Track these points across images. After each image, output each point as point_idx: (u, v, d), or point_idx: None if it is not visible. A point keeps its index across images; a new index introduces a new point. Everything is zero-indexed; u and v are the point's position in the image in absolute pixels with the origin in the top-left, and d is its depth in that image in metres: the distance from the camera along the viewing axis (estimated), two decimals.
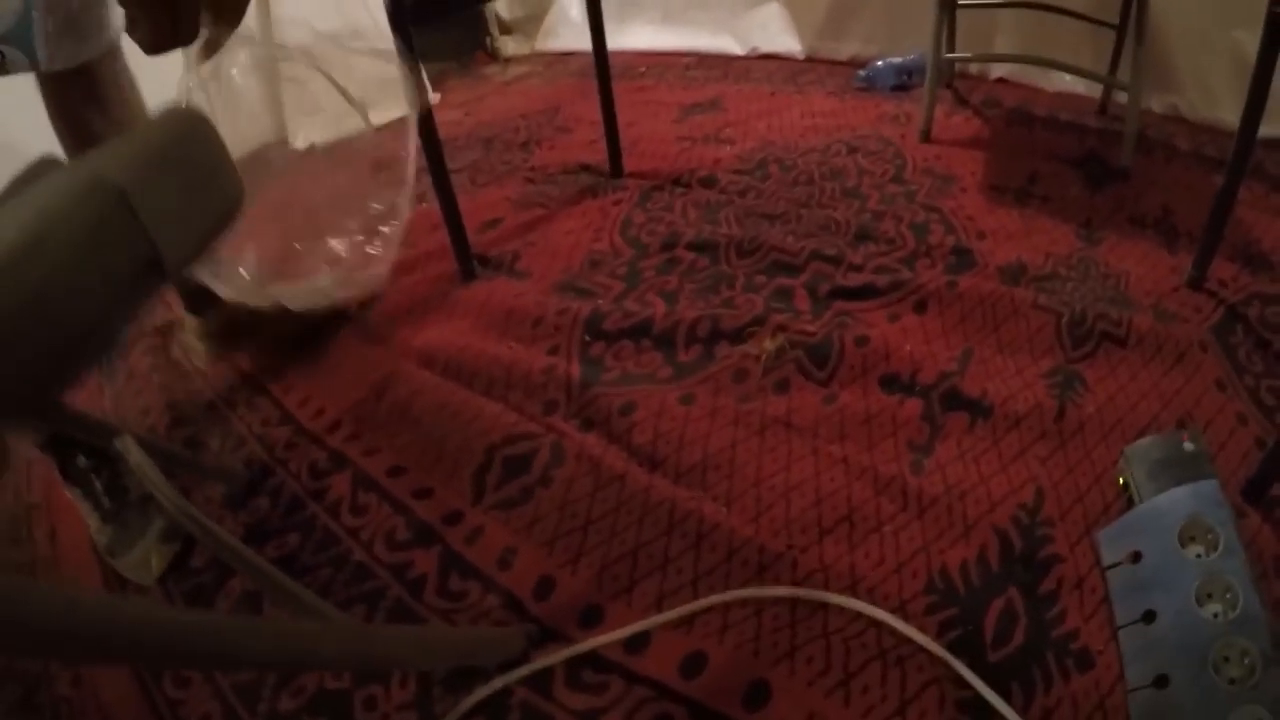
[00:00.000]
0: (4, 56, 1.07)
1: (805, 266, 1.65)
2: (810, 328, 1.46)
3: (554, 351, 1.48)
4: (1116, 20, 2.25)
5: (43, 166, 0.75)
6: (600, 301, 1.59)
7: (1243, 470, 1.15)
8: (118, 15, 1.17)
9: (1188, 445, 1.10)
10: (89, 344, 0.58)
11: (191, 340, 1.63)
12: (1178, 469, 1.08)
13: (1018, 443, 1.22)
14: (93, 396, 1.60)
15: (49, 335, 0.54)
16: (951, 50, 2.49)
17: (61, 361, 0.56)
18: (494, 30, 3.61)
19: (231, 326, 1.59)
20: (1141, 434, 1.22)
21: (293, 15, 2.51)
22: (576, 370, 1.42)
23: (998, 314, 1.48)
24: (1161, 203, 1.87)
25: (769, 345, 1.42)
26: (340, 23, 2.64)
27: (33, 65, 1.12)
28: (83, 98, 1.25)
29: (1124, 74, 2.16)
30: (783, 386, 1.35)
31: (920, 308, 1.51)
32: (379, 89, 1.47)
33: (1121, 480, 1.13)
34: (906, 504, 1.13)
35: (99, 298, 0.58)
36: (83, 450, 1.25)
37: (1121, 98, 2.23)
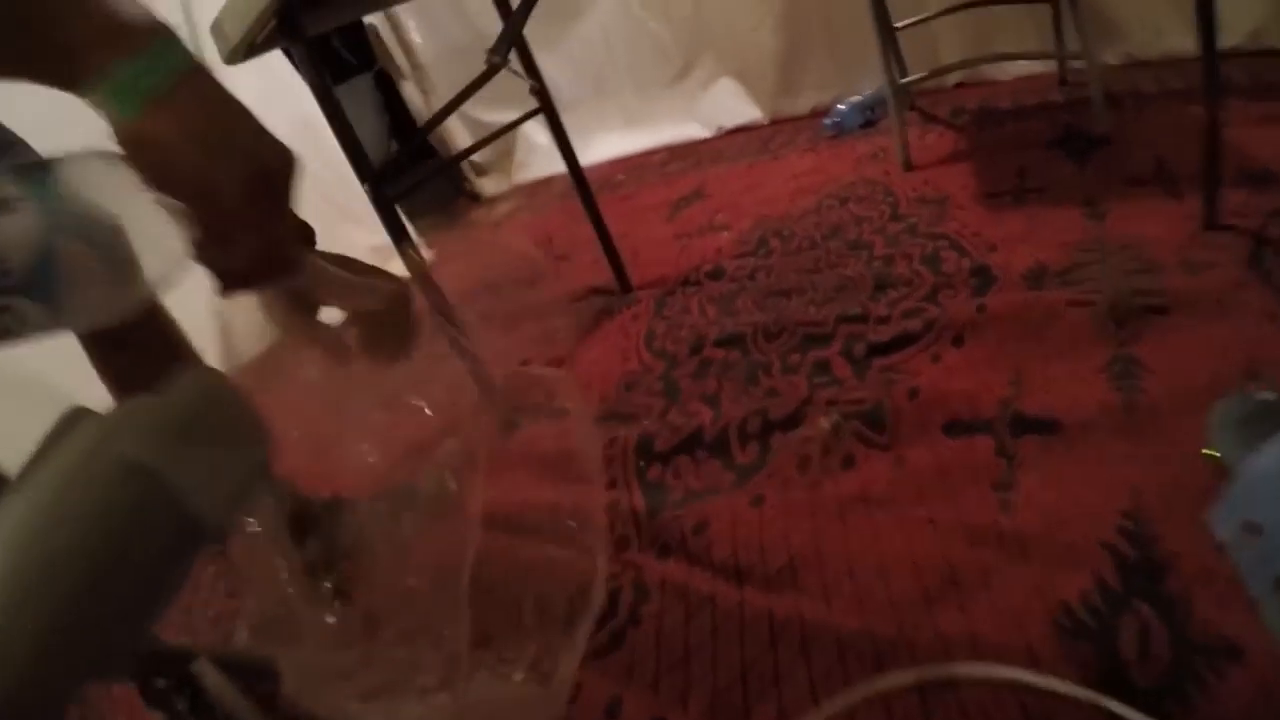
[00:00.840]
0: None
1: (835, 333, 1.62)
2: (859, 394, 1.42)
3: (613, 485, 1.45)
4: None
5: (74, 417, 0.71)
6: (645, 423, 1.56)
7: None
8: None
9: (1265, 395, 1.06)
10: (146, 614, 0.59)
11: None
12: (1263, 423, 1.02)
13: (1097, 449, 1.16)
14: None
15: (104, 626, 0.54)
16: (904, 72, 2.48)
17: (127, 634, 0.57)
18: (470, 175, 3.67)
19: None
20: (1212, 396, 1.15)
21: None
22: (640, 499, 1.38)
23: (1035, 323, 1.43)
24: (1151, 155, 1.85)
25: (824, 424, 1.37)
26: None
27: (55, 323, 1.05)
28: (131, 361, 1.20)
29: (1071, 41, 2.17)
30: (849, 462, 1.31)
31: (958, 341, 1.47)
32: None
33: (1211, 452, 1.07)
34: (1007, 549, 1.07)
35: (146, 574, 0.57)
36: (161, 672, 1.21)
37: (1078, 64, 2.23)
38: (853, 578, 1.11)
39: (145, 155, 0.58)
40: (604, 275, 2.22)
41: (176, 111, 0.57)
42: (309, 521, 1.43)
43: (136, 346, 1.20)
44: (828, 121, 2.79)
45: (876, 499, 1.21)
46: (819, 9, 2.86)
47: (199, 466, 0.62)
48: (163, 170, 0.58)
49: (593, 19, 3.36)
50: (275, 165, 0.61)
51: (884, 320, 1.60)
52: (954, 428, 1.29)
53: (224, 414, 0.67)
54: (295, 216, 0.70)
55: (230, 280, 0.66)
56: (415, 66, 3.61)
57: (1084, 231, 1.66)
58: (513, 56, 1.75)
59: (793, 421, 1.42)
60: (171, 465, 0.59)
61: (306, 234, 0.73)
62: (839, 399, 1.42)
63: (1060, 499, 1.11)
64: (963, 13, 2.51)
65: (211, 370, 0.71)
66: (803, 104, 3.05)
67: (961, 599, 1.03)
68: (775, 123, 3.10)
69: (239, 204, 0.60)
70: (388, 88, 3.90)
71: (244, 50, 1.40)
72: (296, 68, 2.17)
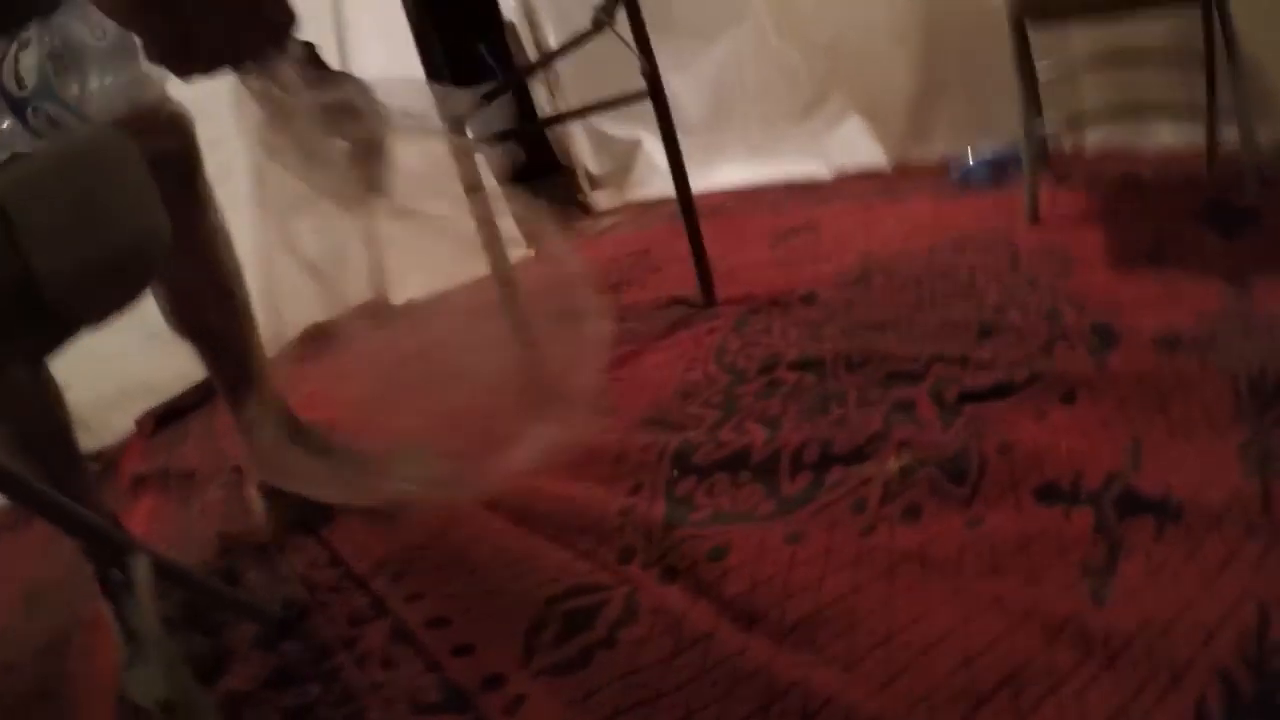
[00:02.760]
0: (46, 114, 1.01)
1: (926, 372, 1.37)
2: (941, 439, 1.17)
3: (636, 490, 1.23)
4: (1202, 54, 1.99)
5: None
6: (691, 433, 1.34)
7: None
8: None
9: None
10: None
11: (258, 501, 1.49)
12: None
13: (1222, 546, 0.89)
14: (166, 522, 1.53)
15: None
16: (1042, 124, 2.24)
17: None
18: (585, 186, 3.55)
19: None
20: None
21: None
22: (660, 510, 1.16)
23: (1162, 390, 1.17)
24: None
25: (893, 465, 1.13)
26: None
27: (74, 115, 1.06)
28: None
29: (1224, 113, 1.95)
30: (913, 513, 1.06)
31: (1069, 399, 1.21)
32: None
33: None
34: (1090, 651, 0.80)
35: None
36: (120, 563, 1.13)
37: (1227, 143, 1.99)
38: (887, 649, 0.86)
39: None
40: (691, 288, 2.02)
41: None
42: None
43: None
44: (955, 174, 2.55)
45: (937, 562, 0.96)
46: (958, 50, 2.61)
47: (53, 216, 0.64)
48: None
49: (728, 43, 3.18)
50: None
51: (985, 366, 1.34)
52: (1049, 494, 1.03)
53: (108, 180, 0.70)
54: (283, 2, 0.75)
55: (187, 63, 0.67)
56: (546, 69, 3.49)
57: (1225, 302, 1.39)
58: (623, 28, 1.58)
59: (857, 456, 1.18)
60: (21, 205, 0.61)
61: (282, 16, 0.77)
62: (915, 440, 1.17)
63: (1167, 600, 0.84)
64: (1111, 74, 2.25)
65: (118, 138, 0.76)
66: (931, 151, 2.80)
67: (1020, 705, 0.78)
68: (900, 171, 2.86)
69: None
70: (521, 92, 3.81)
71: None
72: None
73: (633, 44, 1.64)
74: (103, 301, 0.87)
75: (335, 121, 0.90)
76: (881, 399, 1.33)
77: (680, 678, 0.88)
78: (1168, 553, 0.90)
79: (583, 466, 1.32)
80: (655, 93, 1.73)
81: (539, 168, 3.68)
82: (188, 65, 0.67)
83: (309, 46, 0.91)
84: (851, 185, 2.87)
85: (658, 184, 3.39)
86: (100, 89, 1.06)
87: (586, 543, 1.13)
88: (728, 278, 2.09)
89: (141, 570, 0.89)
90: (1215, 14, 1.81)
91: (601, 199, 3.56)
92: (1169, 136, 2.29)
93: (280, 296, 1.10)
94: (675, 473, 1.24)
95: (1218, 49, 1.92)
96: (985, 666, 0.82)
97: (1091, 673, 0.79)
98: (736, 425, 1.34)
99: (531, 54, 3.46)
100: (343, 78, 0.97)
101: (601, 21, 1.38)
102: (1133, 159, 2.32)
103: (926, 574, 0.95)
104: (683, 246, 1.93)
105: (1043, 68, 2.17)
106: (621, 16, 1.64)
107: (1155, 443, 1.07)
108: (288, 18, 0.79)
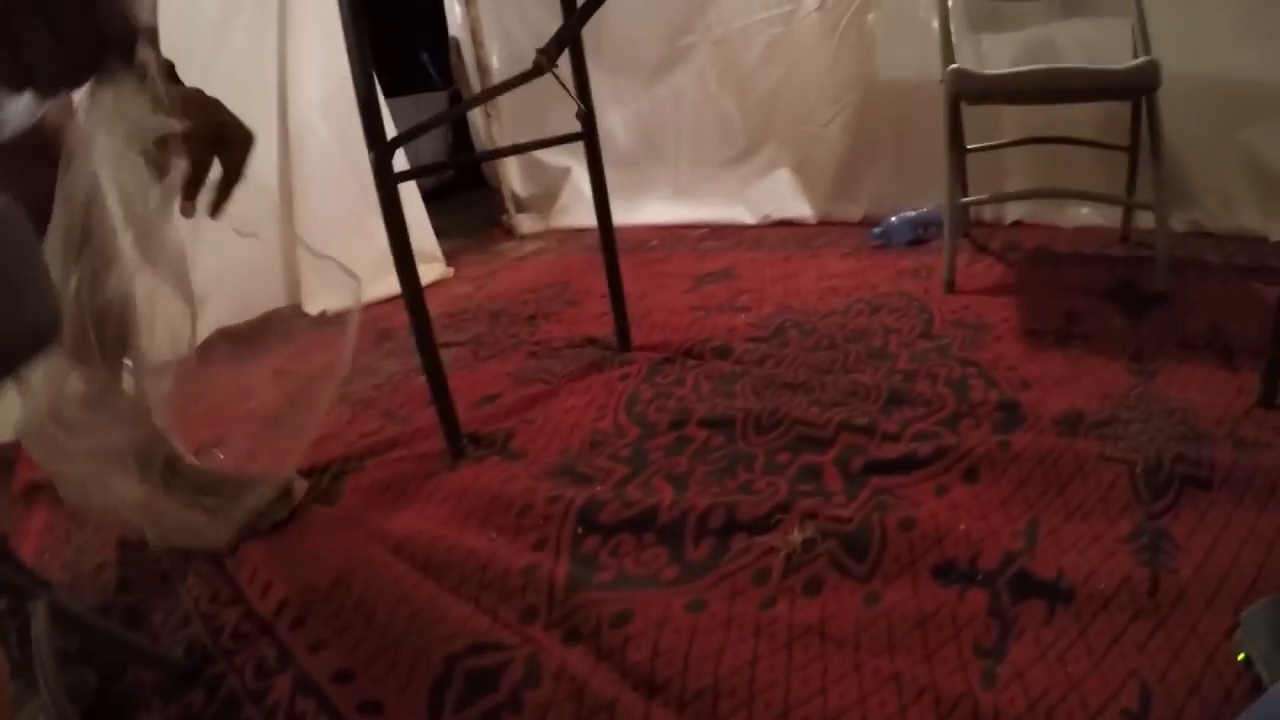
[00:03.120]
0: None
1: (834, 440, 1.39)
2: (844, 512, 1.18)
3: (540, 546, 1.21)
4: (1127, 142, 2.12)
5: None
6: (599, 488, 1.33)
7: None
8: None
9: None
10: None
11: None
12: None
13: (1109, 629, 0.93)
14: (60, 540, 1.44)
15: None
16: (965, 193, 2.31)
17: None
18: (510, 207, 3.54)
19: None
20: (1251, 589, 0.96)
21: None
22: (564, 569, 1.14)
23: (1061, 473, 1.21)
24: (1209, 321, 1.67)
25: (796, 537, 1.14)
26: None
27: None
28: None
29: (1142, 195, 2.03)
30: (814, 587, 1.07)
31: (971, 476, 1.24)
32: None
33: (1242, 655, 0.86)
34: None
35: None
36: (8, 594, 1.08)
37: (1142, 223, 2.14)
38: None
39: None
40: (607, 329, 2.01)
41: None
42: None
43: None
44: (875, 231, 2.61)
45: (836, 637, 0.98)
46: (893, 117, 2.71)
47: None
48: None
49: (669, 84, 3.21)
50: None
51: (892, 437, 1.37)
52: (946, 573, 1.05)
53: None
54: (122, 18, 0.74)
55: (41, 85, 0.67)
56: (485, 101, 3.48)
57: (1129, 385, 1.45)
58: (565, 71, 1.58)
59: (762, 526, 1.18)
60: None
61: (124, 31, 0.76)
62: (820, 512, 1.19)
63: (1054, 681, 0.88)
64: (1036, 149, 2.36)
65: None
66: (855, 210, 2.87)
67: None
68: (822, 224, 2.92)
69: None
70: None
71: None
72: None
73: (572, 89, 1.64)
74: None
75: (178, 141, 0.89)
76: (789, 465, 1.34)
77: None
78: (1057, 635, 0.93)
79: (488, 515, 1.30)
80: (589, 135, 1.74)
81: (465, 183, 3.68)
82: (26, 87, 0.67)
83: (168, 63, 0.89)
84: (773, 233, 2.93)
85: (583, 213, 3.40)
86: None
87: (489, 599, 1.11)
88: (644, 320, 2.11)
89: (40, 620, 0.87)
90: (1144, 109, 1.90)
91: (525, 223, 3.55)
92: (1087, 216, 2.41)
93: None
94: (580, 530, 1.23)
95: (1142, 141, 2.01)
96: None
97: None
98: (644, 483, 1.34)
99: (473, 69, 3.47)
100: (196, 94, 0.95)
101: (542, 65, 1.38)
102: (1051, 233, 2.43)
103: (825, 648, 0.96)
104: (602, 284, 1.92)
105: (972, 145, 2.25)
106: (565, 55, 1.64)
107: (1052, 525, 1.11)
108: (130, 32, 0.78)
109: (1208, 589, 0.96)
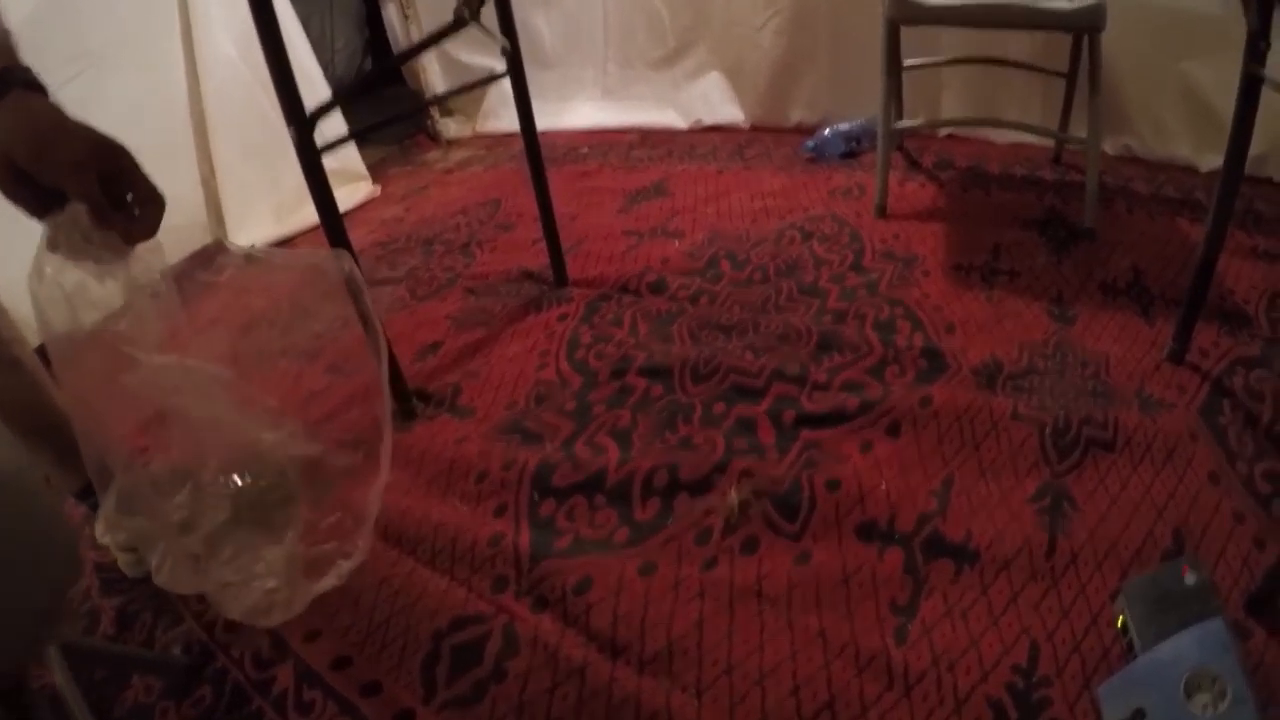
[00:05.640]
0: None
1: (767, 389, 1.58)
2: (777, 471, 1.37)
3: (501, 513, 1.38)
4: (1066, 69, 2.25)
5: None
6: (548, 447, 1.50)
7: (1244, 577, 1.11)
8: None
9: (1189, 579, 1.05)
10: None
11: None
12: (1180, 607, 1.02)
13: (1008, 589, 1.14)
14: None
15: None
16: (900, 113, 2.45)
17: None
18: (434, 113, 3.54)
19: None
20: (1137, 555, 1.16)
21: None
22: (526, 538, 1.32)
23: (976, 430, 1.41)
24: (1131, 263, 1.86)
25: (733, 498, 1.33)
26: None
27: None
28: None
29: (1076, 122, 2.18)
30: (751, 545, 1.26)
31: (894, 431, 1.44)
32: None
33: (1120, 621, 1.06)
34: (892, 682, 1.04)
35: None
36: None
37: (1076, 145, 2.24)
38: (729, 678, 1.08)
39: None
40: (542, 259, 2.14)
41: None
42: None
43: None
44: (809, 143, 2.74)
45: (771, 596, 1.18)
46: (829, 24, 2.78)
47: None
48: None
49: None
50: None
51: (822, 387, 1.56)
52: (868, 531, 1.26)
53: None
54: None
55: None
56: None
57: (1047, 332, 1.65)
58: (490, 10, 1.65)
59: (702, 486, 1.37)
60: None
61: None
62: (755, 471, 1.38)
63: (957, 638, 1.09)
64: (972, 67, 2.48)
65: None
66: (788, 117, 2.98)
67: None
68: (755, 130, 3.03)
69: None
70: (373, 4, 3.74)
71: None
72: None
73: (496, 32, 1.69)
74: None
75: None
76: (726, 415, 1.53)
77: (563, 707, 1.06)
78: (961, 593, 1.14)
79: (449, 483, 1.46)
80: (515, 73, 1.81)
81: (383, 80, 3.64)
82: None
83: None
84: (705, 140, 3.03)
85: (510, 118, 3.40)
86: None
87: (462, 571, 1.28)
88: (577, 246, 2.24)
89: (57, 668, 0.96)
90: (1085, 40, 1.99)
91: (451, 126, 3.57)
92: (1021, 134, 2.54)
93: None
94: (536, 496, 1.40)
95: (1081, 70, 2.15)
96: (809, 693, 1.04)
97: (891, 701, 1.03)
98: (589, 439, 1.51)
99: None
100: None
101: (463, 19, 1.43)
102: (983, 149, 2.59)
103: (762, 607, 1.16)
104: (533, 204, 2.03)
105: (909, 62, 2.34)
106: None
107: (965, 484, 1.31)
108: None
109: (1099, 553, 1.17)
